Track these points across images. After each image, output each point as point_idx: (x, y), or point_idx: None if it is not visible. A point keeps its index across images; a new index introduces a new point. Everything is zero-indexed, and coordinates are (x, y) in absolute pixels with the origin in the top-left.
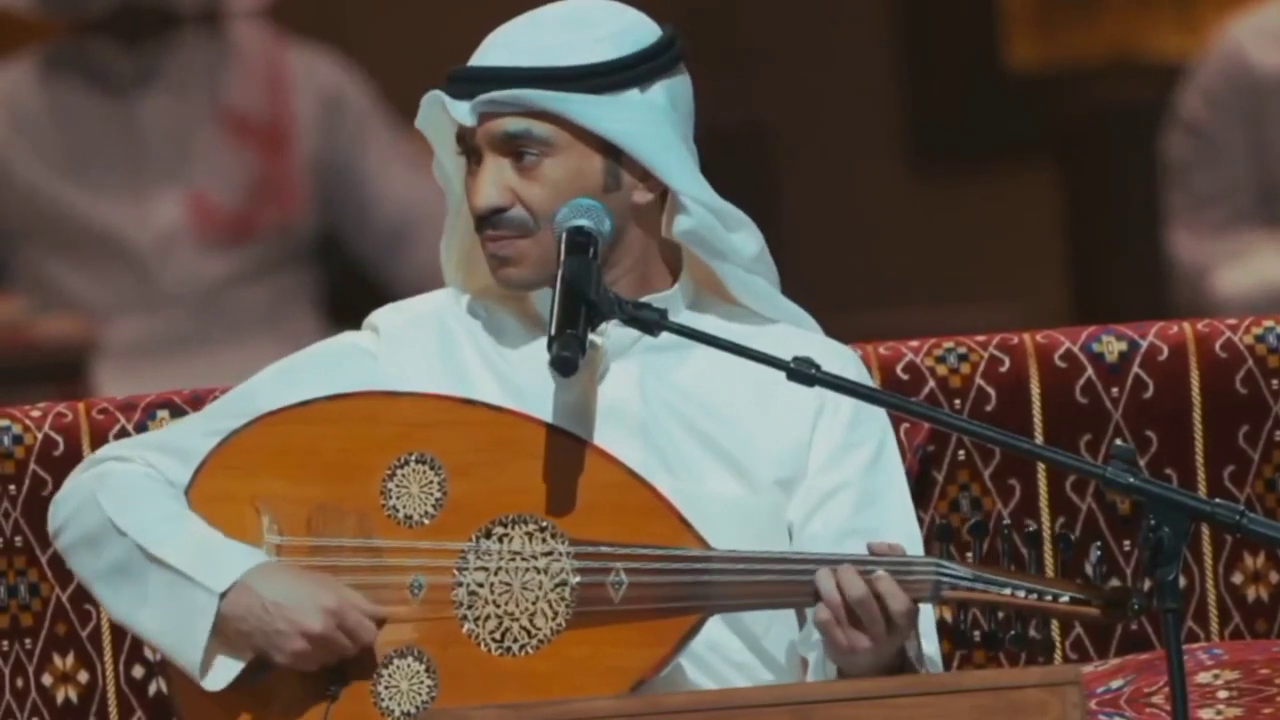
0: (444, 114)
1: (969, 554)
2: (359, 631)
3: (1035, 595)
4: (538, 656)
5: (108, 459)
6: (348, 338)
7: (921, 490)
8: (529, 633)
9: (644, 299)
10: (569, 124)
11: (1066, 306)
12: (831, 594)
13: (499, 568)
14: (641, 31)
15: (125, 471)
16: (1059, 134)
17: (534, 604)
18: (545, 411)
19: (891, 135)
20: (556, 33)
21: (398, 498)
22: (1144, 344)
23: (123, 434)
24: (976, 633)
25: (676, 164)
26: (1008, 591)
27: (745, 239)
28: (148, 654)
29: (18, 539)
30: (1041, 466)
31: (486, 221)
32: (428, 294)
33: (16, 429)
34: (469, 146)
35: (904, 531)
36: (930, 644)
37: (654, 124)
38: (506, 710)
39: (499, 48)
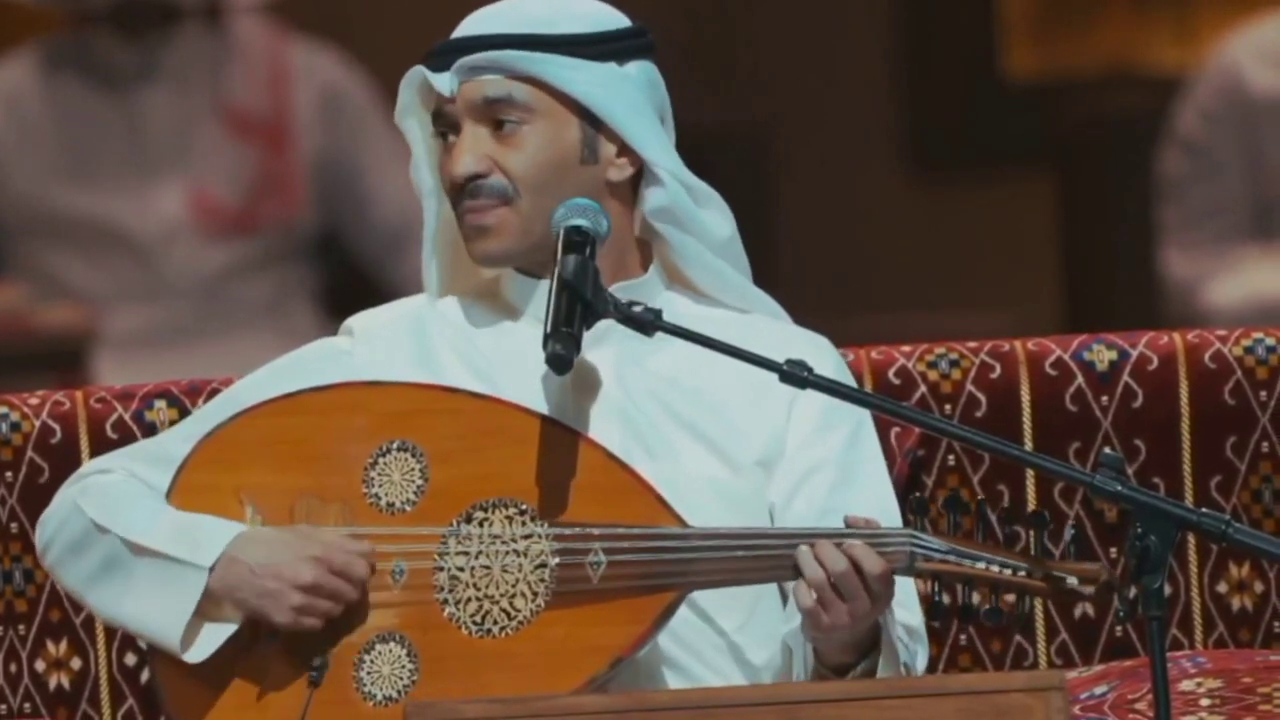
0: (421, 95)
1: (957, 530)
2: (350, 569)
3: (1010, 570)
4: (517, 637)
5: (90, 474)
6: (325, 341)
7: (911, 494)
8: (509, 614)
9: (619, 284)
10: (548, 88)
11: (1061, 315)
12: (815, 571)
13: (479, 551)
14: (616, 16)
15: (107, 480)
16: (1056, 143)
17: (514, 586)
18: (523, 399)
19: (890, 142)
20: (535, 8)
21: (380, 485)
22: (1134, 353)
23: (120, 423)
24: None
25: (651, 135)
26: (982, 565)
27: (716, 218)
28: (140, 642)
29: (13, 525)
30: (1030, 473)
31: (464, 191)
32: (404, 298)
33: (14, 416)
34: (448, 121)
35: (883, 509)
36: (913, 615)
37: (630, 94)
38: (494, 704)
39: (477, 21)
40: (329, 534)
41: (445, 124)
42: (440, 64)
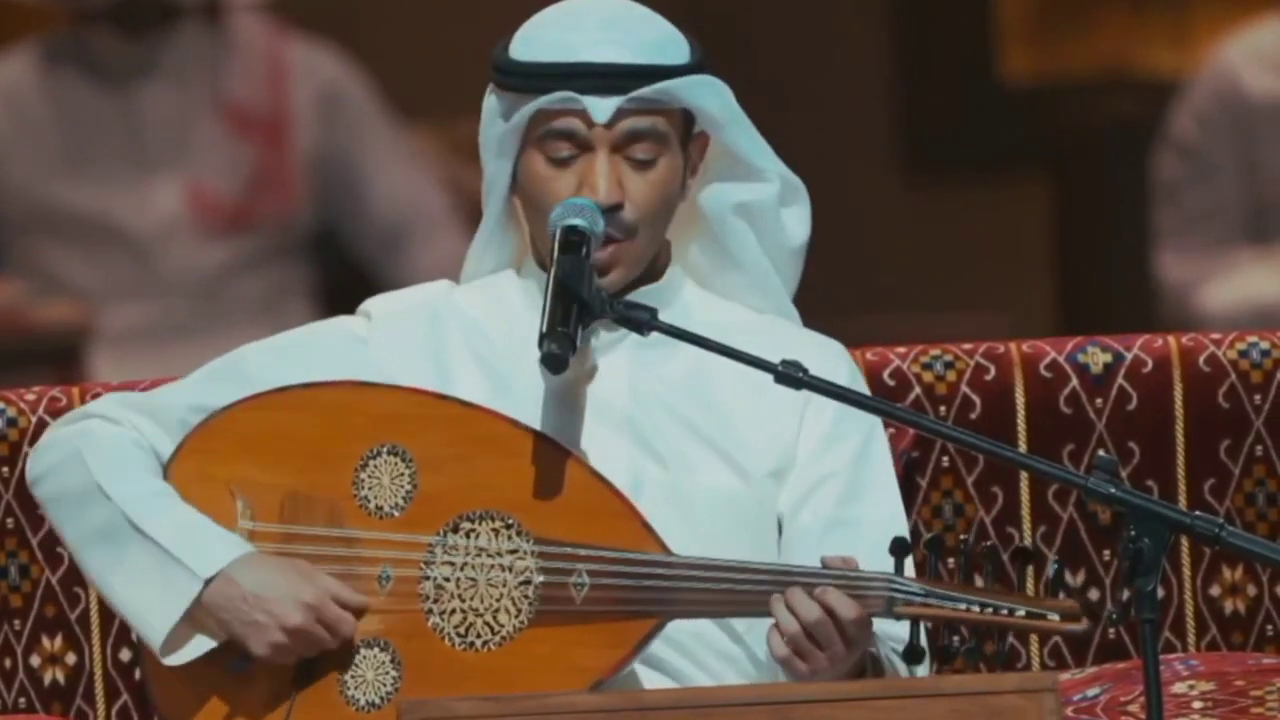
0: (531, 115)
1: (952, 571)
2: (338, 625)
3: (990, 610)
4: (500, 653)
5: (94, 416)
6: (341, 322)
7: (905, 496)
8: (492, 629)
9: (641, 290)
10: (678, 118)
11: (1056, 318)
12: (789, 621)
13: (465, 563)
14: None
15: (113, 435)
16: (1052, 147)
17: (498, 601)
18: (533, 405)
19: (886, 144)
20: (639, 29)
21: (369, 488)
22: (1129, 356)
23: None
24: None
25: (756, 138)
26: (962, 607)
27: (797, 216)
28: (135, 638)
29: (9, 521)
30: (1024, 475)
31: None
32: (423, 285)
33: (11, 412)
34: (578, 142)
35: (890, 524)
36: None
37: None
38: (486, 703)
39: (607, 44)
40: (327, 580)
41: (573, 143)
42: (590, 87)
